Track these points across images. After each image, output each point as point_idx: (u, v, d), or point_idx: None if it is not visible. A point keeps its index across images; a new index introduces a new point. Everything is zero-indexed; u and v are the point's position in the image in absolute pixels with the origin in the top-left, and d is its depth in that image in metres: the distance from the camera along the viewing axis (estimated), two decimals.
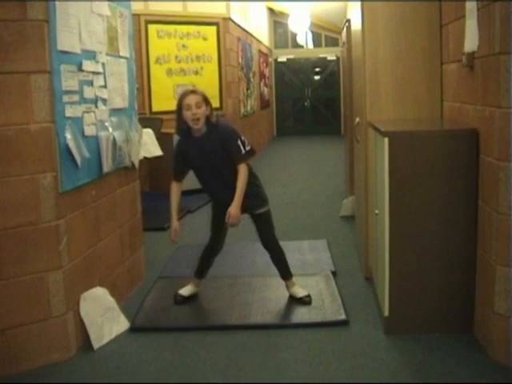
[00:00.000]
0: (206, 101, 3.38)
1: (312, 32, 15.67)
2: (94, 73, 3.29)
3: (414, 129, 3.34)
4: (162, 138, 6.71)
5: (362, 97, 3.89)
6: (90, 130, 3.22)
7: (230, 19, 8.95)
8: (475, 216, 3.01)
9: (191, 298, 3.71)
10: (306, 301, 3.59)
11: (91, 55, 3.27)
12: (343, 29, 6.09)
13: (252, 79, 11.53)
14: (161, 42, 8.07)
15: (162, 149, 5.82)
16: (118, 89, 3.67)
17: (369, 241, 3.98)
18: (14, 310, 2.84)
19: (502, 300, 2.73)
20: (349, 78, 5.58)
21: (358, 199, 4.73)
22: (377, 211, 3.46)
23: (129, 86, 3.90)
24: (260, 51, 13.12)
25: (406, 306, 3.12)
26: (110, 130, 3.49)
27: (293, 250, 4.60)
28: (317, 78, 16.18)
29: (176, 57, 8.25)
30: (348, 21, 5.38)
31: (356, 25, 4.26)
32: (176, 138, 7.58)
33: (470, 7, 2.94)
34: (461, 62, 3.15)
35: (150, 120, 6.65)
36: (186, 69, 8.37)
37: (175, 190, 3.55)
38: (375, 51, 3.76)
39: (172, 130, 7.38)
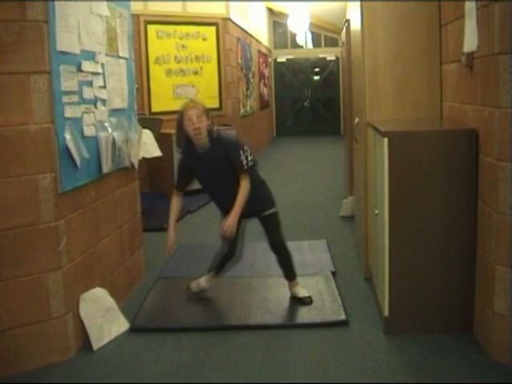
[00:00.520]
0: (206, 114, 3.38)
1: (311, 32, 15.68)
2: (93, 73, 3.29)
3: (414, 129, 3.34)
4: (162, 139, 6.72)
5: (362, 97, 3.89)
6: (89, 131, 3.22)
7: (229, 19, 8.95)
8: (475, 216, 3.01)
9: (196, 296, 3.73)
10: (306, 301, 3.59)
11: (90, 56, 3.27)
12: (343, 29, 6.09)
13: (251, 79, 11.53)
14: (160, 43, 8.07)
15: (162, 149, 5.82)
16: (117, 89, 3.67)
17: (368, 241, 3.98)
18: (14, 310, 2.84)
19: (502, 300, 2.73)
20: (348, 78, 5.58)
21: (357, 199, 4.73)
22: (376, 211, 3.46)
23: (128, 86, 3.89)
24: (259, 51, 13.12)
25: (405, 306, 3.12)
26: (110, 130, 3.49)
27: (292, 251, 4.53)
28: (316, 78, 16.18)
29: (175, 57, 8.25)
30: (347, 21, 5.39)
31: (355, 25, 4.26)
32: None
33: (470, 7, 2.94)
34: (460, 62, 3.15)
35: (149, 120, 6.66)
36: (185, 69, 8.37)
37: (176, 202, 3.53)
38: (375, 51, 3.77)
39: (171, 131, 7.42)
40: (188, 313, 3.55)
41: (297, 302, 3.62)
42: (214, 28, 8.64)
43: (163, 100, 8.09)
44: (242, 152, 3.38)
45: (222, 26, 8.74)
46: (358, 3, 3.86)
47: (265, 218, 3.56)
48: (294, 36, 15.66)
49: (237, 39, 9.76)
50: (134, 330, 3.35)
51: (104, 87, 3.44)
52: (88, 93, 3.23)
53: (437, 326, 3.12)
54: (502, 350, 2.77)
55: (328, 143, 13.55)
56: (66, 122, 2.97)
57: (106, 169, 3.44)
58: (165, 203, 6.70)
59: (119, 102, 3.71)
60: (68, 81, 3.00)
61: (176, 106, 8.47)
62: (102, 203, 3.47)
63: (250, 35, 11.45)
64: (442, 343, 3.01)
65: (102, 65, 3.42)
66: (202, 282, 3.76)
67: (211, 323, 3.41)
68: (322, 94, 16.10)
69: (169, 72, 8.20)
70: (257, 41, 12.58)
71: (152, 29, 7.97)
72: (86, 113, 3.20)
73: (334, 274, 4.15)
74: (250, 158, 3.40)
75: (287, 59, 16.07)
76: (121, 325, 3.34)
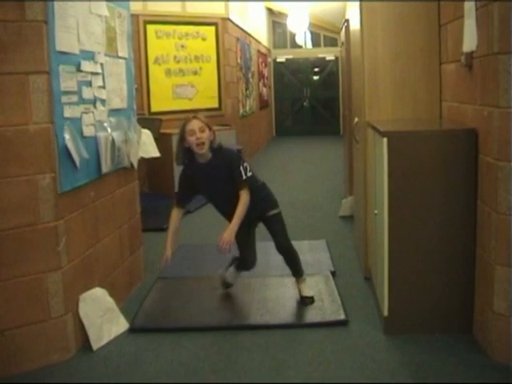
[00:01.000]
0: (208, 126, 3.37)
1: (311, 32, 15.68)
2: (92, 73, 3.29)
3: (413, 129, 3.34)
4: (161, 139, 6.72)
5: (361, 97, 3.89)
6: (88, 131, 3.22)
7: (228, 19, 8.95)
8: (474, 216, 3.01)
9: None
10: (306, 302, 3.60)
11: (90, 56, 3.26)
12: (342, 29, 6.10)
13: (251, 79, 11.53)
14: (159, 43, 8.06)
15: (161, 149, 5.81)
16: (116, 89, 3.67)
17: (368, 241, 3.98)
18: (13, 311, 2.84)
19: (502, 300, 2.73)
20: (348, 77, 5.58)
21: (357, 199, 4.73)
22: (376, 211, 3.46)
23: (127, 86, 3.89)
24: (259, 51, 13.12)
25: (405, 306, 3.12)
26: (109, 130, 3.48)
27: None
28: (316, 78, 16.19)
29: (175, 57, 8.25)
30: (347, 21, 5.39)
31: (355, 25, 4.26)
32: (175, 138, 7.60)
33: (469, 7, 2.94)
34: (459, 61, 3.15)
35: (148, 120, 6.66)
36: (184, 69, 8.37)
37: (175, 217, 3.52)
38: (374, 51, 3.77)
39: (171, 130, 7.43)
40: (188, 313, 3.55)
41: (299, 300, 3.62)
42: (213, 28, 8.64)
43: (162, 100, 8.09)
44: (241, 166, 3.38)
45: (221, 25, 8.73)
46: (358, 3, 3.86)
47: (268, 219, 3.57)
48: (293, 36, 15.66)
49: (236, 39, 9.76)
50: (133, 330, 3.35)
51: (103, 87, 3.43)
52: (87, 93, 3.22)
53: (436, 325, 3.13)
54: (502, 349, 2.77)
55: (327, 143, 13.55)
56: (65, 122, 2.97)
57: (105, 169, 3.44)
58: (164, 203, 6.76)
59: (118, 102, 3.71)
60: (67, 81, 3.00)
61: (175, 106, 8.56)
62: (101, 203, 3.47)
63: (250, 35, 11.44)
64: (442, 343, 3.01)
65: (102, 65, 3.42)
66: (229, 277, 3.83)
67: (211, 323, 3.41)
68: (322, 94, 16.10)
69: (168, 72, 8.20)
70: (256, 41, 12.58)
71: (151, 29, 7.97)
72: (86, 113, 3.20)
73: (333, 273, 4.15)
74: (249, 173, 3.40)
75: (286, 59, 16.07)
76: (120, 325, 3.34)
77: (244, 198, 3.36)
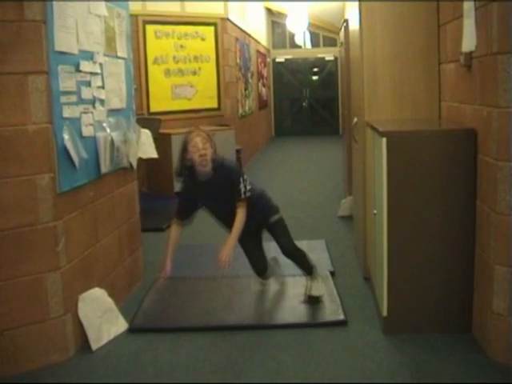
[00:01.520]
0: (210, 141, 3.38)
1: (310, 32, 15.67)
2: (91, 73, 3.29)
3: (412, 129, 3.34)
4: (160, 139, 6.73)
5: (360, 97, 3.89)
6: (87, 131, 3.22)
7: (227, 19, 8.95)
8: (473, 216, 3.01)
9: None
10: (310, 301, 3.60)
11: (89, 56, 3.26)
12: (341, 29, 6.10)
13: (250, 79, 11.53)
14: (159, 43, 8.06)
15: (160, 149, 5.82)
16: (115, 89, 3.67)
17: (367, 241, 3.98)
18: (13, 311, 2.83)
19: (501, 299, 2.74)
20: (347, 78, 5.58)
21: (356, 199, 4.73)
22: (375, 211, 3.46)
23: (127, 86, 3.89)
24: (258, 51, 13.11)
25: (404, 305, 3.12)
26: (108, 130, 3.48)
27: None
28: (315, 78, 16.19)
29: (174, 57, 8.25)
30: (346, 21, 5.39)
31: (354, 25, 4.26)
32: (174, 138, 7.62)
33: (468, 7, 2.94)
34: (459, 61, 3.15)
35: (148, 120, 6.66)
36: (183, 69, 8.37)
37: (175, 232, 3.54)
38: (373, 51, 3.77)
39: (170, 131, 7.43)
40: (187, 313, 3.55)
41: (305, 297, 3.65)
42: (212, 28, 8.64)
43: (162, 100, 8.09)
44: (241, 180, 3.39)
45: (220, 25, 8.73)
46: (357, 3, 3.86)
47: (271, 226, 3.58)
48: (292, 36, 15.65)
49: (235, 39, 9.76)
50: (132, 330, 3.35)
51: (102, 87, 3.43)
52: (86, 93, 3.22)
53: (435, 325, 3.13)
54: (501, 349, 2.77)
55: (327, 143, 13.56)
56: (64, 122, 2.97)
57: (104, 169, 3.44)
58: (163, 203, 6.76)
59: (118, 102, 3.70)
60: (66, 81, 2.99)
61: (175, 106, 8.55)
62: (100, 203, 3.47)
63: (249, 35, 11.44)
64: (441, 343, 3.01)
65: (101, 65, 3.42)
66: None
67: (210, 323, 3.41)
68: (321, 94, 16.10)
69: (167, 72, 8.20)
70: (255, 41, 12.58)
71: (150, 29, 7.97)
72: (85, 113, 3.20)
73: (332, 273, 4.14)
74: (248, 188, 3.41)
75: (286, 59, 16.08)
76: (120, 325, 3.34)
77: (240, 215, 3.38)
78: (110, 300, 3.37)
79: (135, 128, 4.09)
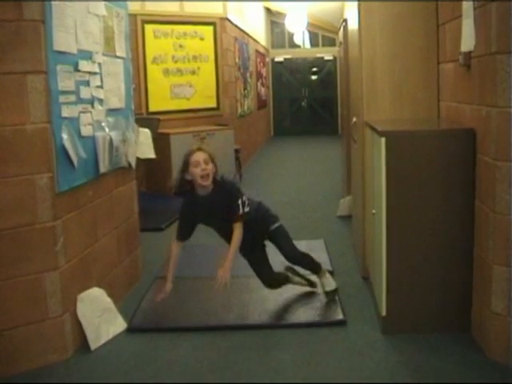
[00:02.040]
0: (212, 159, 3.36)
1: (309, 32, 15.67)
2: (90, 73, 3.29)
3: (411, 128, 3.35)
4: (159, 138, 6.72)
5: (359, 96, 3.89)
6: (86, 131, 3.22)
7: (226, 19, 8.94)
8: (472, 215, 3.01)
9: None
10: (327, 297, 3.64)
11: (87, 55, 3.26)
12: (340, 29, 6.09)
13: (249, 79, 11.52)
14: (157, 42, 8.06)
15: (159, 149, 5.81)
16: (114, 89, 3.67)
17: (366, 240, 3.98)
18: (11, 311, 2.83)
19: (499, 299, 2.74)
20: (346, 77, 5.58)
21: (355, 199, 4.73)
22: (374, 211, 3.46)
23: (125, 86, 3.89)
24: (257, 51, 13.11)
25: (403, 305, 3.12)
26: (107, 130, 3.48)
27: None
28: (314, 77, 16.19)
29: (173, 57, 8.24)
30: (345, 21, 5.38)
31: (353, 25, 4.26)
32: (173, 138, 7.61)
33: (467, 7, 2.94)
34: (458, 61, 3.15)
35: (146, 120, 6.65)
36: (182, 69, 8.36)
37: (176, 253, 3.52)
38: (372, 51, 3.77)
39: (169, 130, 7.42)
40: (186, 313, 3.55)
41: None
42: (211, 28, 8.63)
43: (160, 100, 8.08)
44: (240, 200, 3.37)
45: (219, 25, 8.73)
46: (356, 3, 3.86)
47: (272, 234, 3.58)
48: (291, 36, 15.65)
49: (234, 39, 9.75)
50: (131, 330, 3.35)
51: (101, 87, 3.43)
52: (85, 92, 3.22)
53: (434, 325, 3.13)
54: (500, 349, 2.77)
55: (325, 143, 13.56)
56: (63, 122, 2.97)
57: (103, 169, 3.44)
58: (162, 203, 6.75)
59: (116, 101, 3.70)
60: (65, 80, 2.99)
61: (173, 105, 8.55)
62: (99, 203, 3.47)
63: (248, 35, 11.44)
64: (440, 343, 3.01)
65: (99, 64, 3.41)
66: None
67: (209, 323, 3.41)
68: (320, 94, 16.10)
69: (166, 72, 8.20)
70: (254, 40, 12.57)
71: (149, 28, 7.96)
72: (83, 112, 3.20)
73: (331, 273, 4.13)
74: (246, 207, 3.38)
75: (285, 59, 16.07)
76: (118, 325, 3.34)
77: (237, 233, 3.36)
78: (108, 300, 3.37)
79: (134, 128, 4.09)
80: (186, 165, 3.32)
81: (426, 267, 3.09)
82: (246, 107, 10.90)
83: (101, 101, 3.42)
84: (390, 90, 3.78)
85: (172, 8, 8.20)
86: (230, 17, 9.14)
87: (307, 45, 16.09)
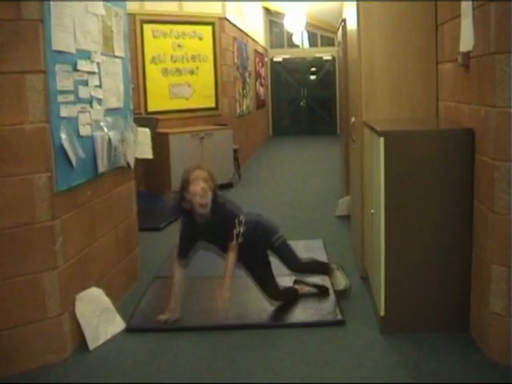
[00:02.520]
0: (211, 178, 3.33)
1: (308, 32, 15.67)
2: (89, 72, 3.28)
3: (410, 128, 3.35)
4: (158, 138, 6.72)
5: (358, 96, 3.89)
6: (85, 130, 3.22)
7: (225, 19, 8.94)
8: (471, 215, 3.01)
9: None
10: (341, 296, 3.64)
11: (86, 55, 3.26)
12: (339, 28, 6.09)
13: (248, 79, 11.52)
14: (156, 42, 8.05)
15: (158, 149, 5.80)
16: (113, 89, 3.66)
17: (364, 240, 3.98)
18: (10, 310, 2.83)
19: (498, 299, 2.74)
20: (344, 77, 5.58)
21: (353, 199, 4.73)
22: (372, 211, 3.46)
23: (124, 85, 3.89)
24: (256, 51, 13.11)
25: (401, 305, 3.12)
26: (106, 129, 3.48)
27: None
28: (313, 77, 16.19)
29: (171, 56, 8.24)
30: (344, 20, 5.39)
31: (352, 24, 4.26)
32: (172, 138, 7.61)
33: (466, 7, 2.95)
34: (456, 61, 3.15)
35: (145, 120, 6.65)
36: (181, 68, 8.36)
37: (179, 274, 3.47)
38: (371, 51, 3.77)
39: (168, 130, 7.42)
40: (184, 312, 3.54)
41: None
42: (210, 27, 8.63)
43: (159, 99, 8.07)
44: (237, 225, 3.35)
45: (218, 25, 8.73)
46: (355, 3, 3.86)
47: (274, 248, 3.56)
48: (290, 35, 15.65)
49: (233, 39, 9.75)
50: (130, 329, 3.35)
51: (100, 86, 3.43)
52: (84, 92, 3.22)
53: (433, 325, 3.13)
54: (498, 349, 2.77)
55: (324, 143, 13.56)
56: (61, 122, 2.96)
57: (101, 168, 3.44)
58: (161, 203, 6.75)
59: (115, 101, 3.70)
60: (63, 80, 2.99)
61: (172, 105, 8.55)
62: (97, 203, 3.46)
63: (247, 35, 11.44)
64: (439, 342, 3.02)
65: (98, 64, 3.41)
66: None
67: (208, 323, 3.41)
68: (319, 94, 16.10)
69: (165, 71, 8.19)
70: (253, 40, 12.57)
71: (148, 28, 7.95)
72: (82, 112, 3.19)
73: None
74: (240, 240, 3.36)
75: (283, 59, 16.07)
76: (117, 325, 3.34)
77: (230, 259, 3.35)
78: (107, 299, 3.37)
79: (133, 127, 4.09)
80: (185, 183, 3.28)
81: (425, 267, 3.09)
82: (244, 107, 10.90)
83: (99, 100, 3.42)
84: (388, 89, 3.78)
85: (171, 8, 8.19)
86: (228, 17, 9.14)
87: (306, 45, 16.09)
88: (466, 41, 2.96)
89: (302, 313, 3.49)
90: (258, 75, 13.32)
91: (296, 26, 13.91)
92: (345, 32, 5.32)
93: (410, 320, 3.14)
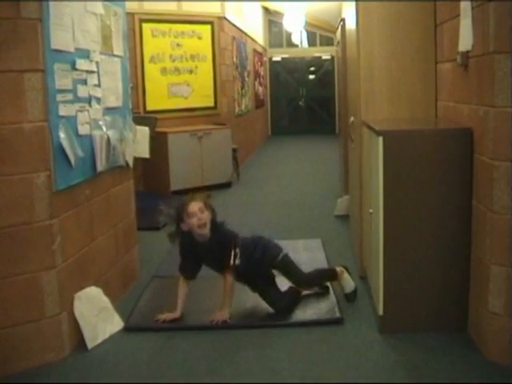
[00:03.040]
0: (206, 205, 3.35)
1: (307, 31, 15.66)
2: (87, 71, 3.28)
3: (409, 128, 3.35)
4: (157, 137, 6.71)
5: (357, 96, 3.89)
6: (83, 129, 3.21)
7: (224, 18, 8.93)
8: (469, 215, 3.01)
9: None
10: (348, 298, 3.63)
11: (85, 54, 3.26)
12: (338, 28, 6.09)
13: (247, 78, 11.52)
14: (155, 41, 8.04)
15: (157, 148, 5.81)
16: (111, 88, 3.66)
17: (363, 240, 3.98)
18: (8, 310, 2.82)
19: (496, 299, 2.74)
20: (343, 77, 5.58)
21: (352, 198, 4.73)
22: (371, 210, 3.46)
23: (123, 84, 3.88)
24: (255, 50, 13.10)
25: (400, 304, 3.13)
26: (104, 128, 3.48)
27: (287, 250, 4.58)
28: (312, 77, 16.19)
29: (170, 56, 8.23)
30: (343, 20, 5.39)
31: (351, 24, 4.26)
32: (171, 137, 7.60)
33: (465, 6, 2.95)
34: (455, 61, 3.16)
35: (144, 119, 6.64)
36: (180, 68, 8.35)
37: (183, 286, 3.48)
38: (370, 50, 3.77)
39: (166, 129, 7.42)
40: (183, 312, 3.54)
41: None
42: (209, 27, 8.62)
43: (158, 99, 8.06)
44: (233, 252, 3.36)
45: (217, 24, 8.72)
46: (354, 3, 3.85)
47: (278, 266, 3.56)
48: (289, 35, 15.65)
49: (232, 38, 9.75)
50: (128, 329, 3.34)
51: (98, 85, 3.43)
52: (82, 91, 3.22)
53: (431, 324, 3.13)
54: (497, 349, 2.77)
55: (323, 142, 13.55)
56: (60, 121, 2.96)
57: (100, 167, 3.43)
58: (160, 202, 6.74)
59: (114, 100, 3.70)
60: (62, 79, 2.99)
61: (171, 104, 8.54)
62: (96, 202, 3.46)
63: (246, 34, 11.43)
64: (437, 342, 3.02)
65: (97, 63, 3.41)
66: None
67: (206, 322, 3.40)
68: (318, 93, 16.10)
69: (164, 70, 8.18)
70: (252, 40, 12.57)
71: (147, 27, 7.94)
72: (81, 111, 3.19)
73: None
74: (237, 261, 3.37)
75: (282, 58, 16.07)
76: (115, 324, 3.34)
77: (228, 282, 3.39)
78: (105, 299, 3.37)
79: (131, 126, 4.09)
80: (181, 216, 3.31)
81: (423, 267, 3.09)
82: (243, 106, 10.90)
83: (98, 99, 3.41)
84: (387, 89, 3.78)
85: (170, 7, 8.19)
86: (227, 16, 9.14)
87: (305, 44, 16.08)
88: (465, 40, 2.96)
89: (301, 312, 3.49)
90: (256, 75, 13.32)
91: (295, 25, 13.91)
92: (344, 32, 5.32)
93: (408, 320, 3.14)
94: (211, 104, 8.71)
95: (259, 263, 3.49)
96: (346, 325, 3.31)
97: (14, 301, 2.84)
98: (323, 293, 3.73)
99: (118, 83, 3.80)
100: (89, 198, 3.35)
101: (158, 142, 6.71)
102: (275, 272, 3.64)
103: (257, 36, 13.49)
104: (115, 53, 3.75)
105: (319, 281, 3.71)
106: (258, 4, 14.00)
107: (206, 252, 3.41)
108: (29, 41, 2.76)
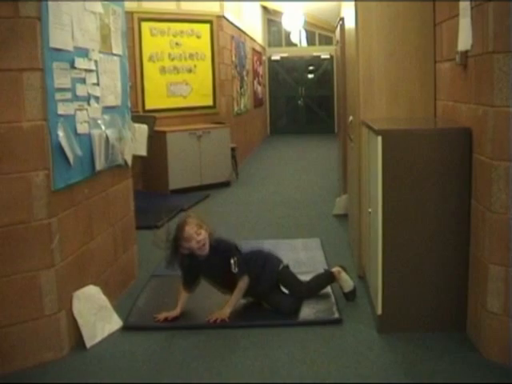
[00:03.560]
0: (201, 224, 3.35)
1: (306, 30, 15.67)
2: (86, 70, 3.27)
3: (408, 127, 3.35)
4: (156, 136, 6.72)
5: (356, 95, 3.89)
6: (82, 128, 3.21)
7: (223, 17, 8.93)
8: (468, 215, 3.02)
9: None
10: (347, 298, 3.63)
11: (84, 53, 3.25)
12: (337, 27, 6.09)
13: (245, 77, 11.51)
14: (154, 40, 8.04)
15: (156, 147, 5.81)
16: (110, 87, 3.66)
17: (362, 239, 3.98)
18: (6, 308, 2.82)
19: (495, 298, 2.74)
20: (342, 76, 5.58)
21: (351, 197, 4.73)
22: (370, 209, 3.46)
23: (122, 83, 3.88)
24: (254, 49, 13.10)
25: (398, 304, 3.13)
26: (103, 127, 3.47)
27: (286, 249, 4.60)
28: (310, 76, 16.18)
29: (169, 55, 8.22)
30: (342, 19, 5.39)
31: (350, 23, 4.26)
32: (170, 136, 7.60)
33: (464, 6, 2.95)
34: (454, 60, 3.16)
35: (143, 118, 6.64)
36: (179, 67, 8.35)
37: (184, 295, 3.51)
38: (369, 50, 3.77)
39: (165, 128, 7.42)
40: (182, 311, 3.54)
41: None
42: (208, 26, 8.61)
43: (157, 98, 8.06)
44: (232, 260, 3.37)
45: (216, 23, 8.71)
46: (353, 2, 3.85)
47: (278, 277, 3.56)
48: (288, 34, 15.65)
49: (231, 37, 9.74)
50: (127, 328, 3.34)
51: (97, 84, 3.42)
52: (81, 90, 3.21)
53: (430, 324, 3.13)
54: (496, 348, 2.77)
55: (322, 142, 13.56)
56: (58, 120, 2.96)
57: (99, 166, 3.43)
58: (158, 201, 6.75)
59: (112, 99, 3.69)
60: (61, 78, 2.98)
61: (170, 103, 8.53)
62: (95, 201, 3.46)
63: (245, 33, 11.43)
64: (435, 342, 3.02)
65: (96, 62, 3.40)
66: None
67: (204, 321, 3.40)
68: (316, 93, 16.10)
69: (162, 69, 8.18)
70: (251, 39, 12.56)
71: (146, 26, 7.94)
72: (79, 110, 3.19)
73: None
74: (235, 269, 3.37)
75: (281, 57, 16.06)
76: (114, 323, 3.34)
77: (241, 285, 3.41)
78: (104, 298, 3.36)
79: (130, 125, 4.08)
80: (178, 241, 3.32)
81: (422, 266, 3.09)
82: (242, 105, 10.89)
83: (97, 98, 3.41)
84: (386, 88, 3.78)
85: (169, 6, 8.18)
86: (226, 15, 9.13)
87: (304, 43, 16.08)
88: (464, 40, 2.96)
89: (298, 312, 3.49)
90: (255, 74, 13.32)
91: (294, 24, 13.92)
92: (343, 31, 5.32)
93: (407, 319, 3.14)
94: (210, 103, 8.71)
95: (259, 276, 3.48)
96: (345, 324, 3.31)
97: (13, 299, 2.83)
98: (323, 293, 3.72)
99: (117, 82, 3.80)
100: (87, 197, 3.35)
101: (156, 141, 6.71)
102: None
103: (256, 35, 13.49)
104: (114, 52, 3.74)
105: (319, 288, 3.70)
106: (257, 3, 13.99)
107: (207, 266, 3.43)
108: (28, 40, 2.75)
